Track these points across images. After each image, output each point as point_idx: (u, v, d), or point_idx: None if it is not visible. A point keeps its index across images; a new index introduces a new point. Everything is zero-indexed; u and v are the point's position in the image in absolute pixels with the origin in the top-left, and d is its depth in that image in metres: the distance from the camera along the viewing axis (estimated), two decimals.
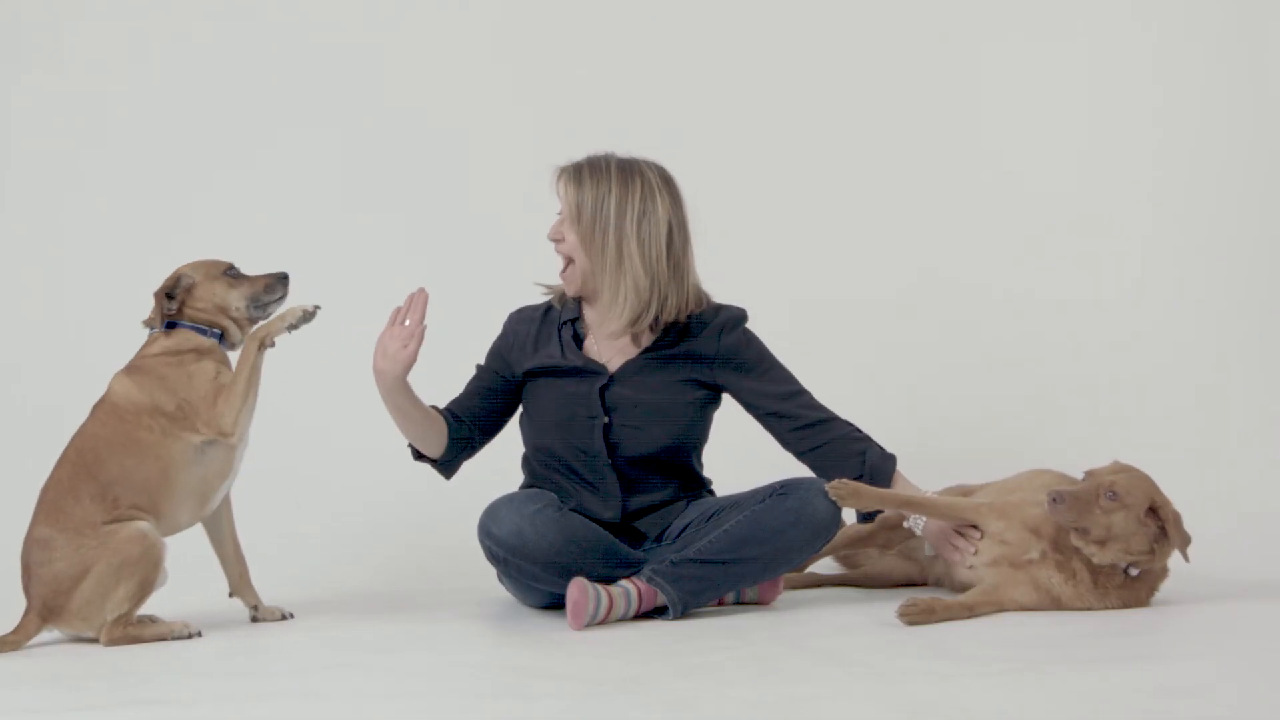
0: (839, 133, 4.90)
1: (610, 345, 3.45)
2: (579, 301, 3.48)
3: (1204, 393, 4.69)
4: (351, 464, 4.47)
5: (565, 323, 3.47)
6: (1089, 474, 3.11)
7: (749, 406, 3.48)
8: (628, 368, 3.42)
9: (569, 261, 3.39)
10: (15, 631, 3.10)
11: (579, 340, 3.46)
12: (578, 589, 3.10)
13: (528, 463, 3.54)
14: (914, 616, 3.03)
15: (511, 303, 3.60)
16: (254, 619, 3.36)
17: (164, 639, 3.12)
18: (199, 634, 3.15)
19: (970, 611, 3.12)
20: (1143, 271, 4.85)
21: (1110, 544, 3.03)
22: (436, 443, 3.41)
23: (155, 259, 4.70)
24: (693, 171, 3.50)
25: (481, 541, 3.24)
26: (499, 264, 4.49)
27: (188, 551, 3.36)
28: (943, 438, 4.48)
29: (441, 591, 3.73)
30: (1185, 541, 3.05)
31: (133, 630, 3.11)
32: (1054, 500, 2.99)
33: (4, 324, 4.75)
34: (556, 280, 3.48)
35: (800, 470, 3.45)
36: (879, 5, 4.97)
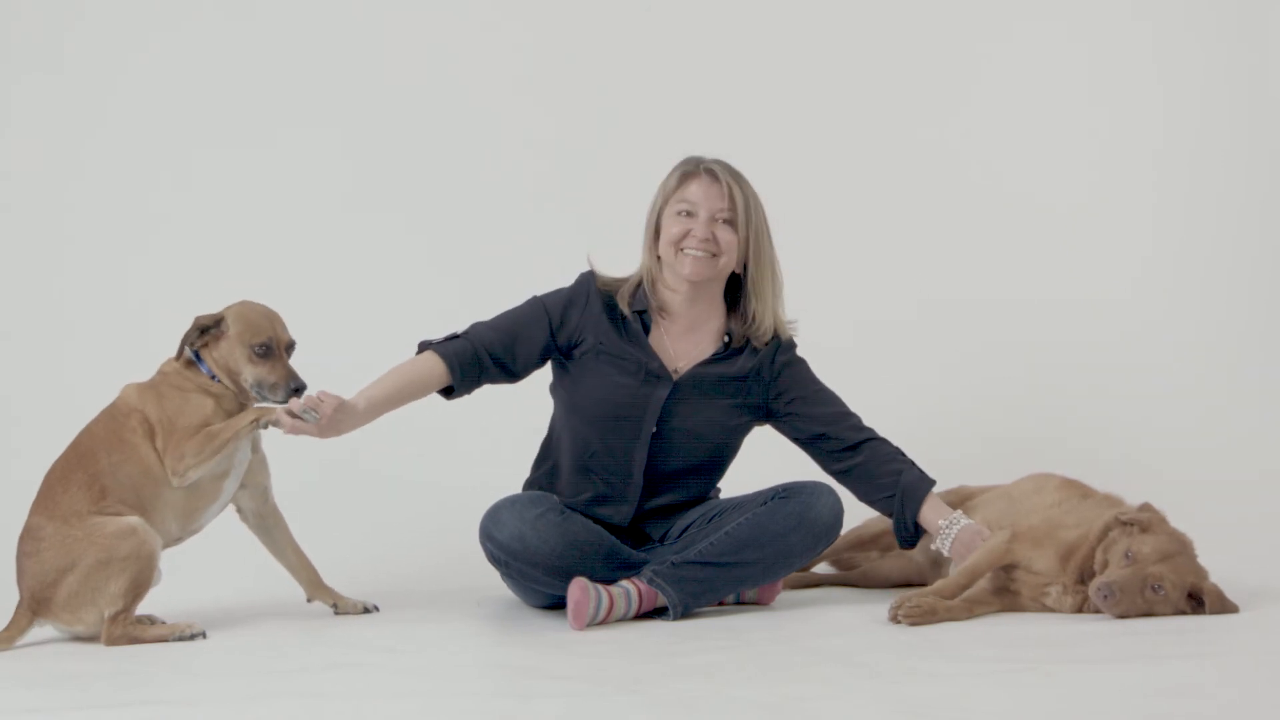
0: (845, 146, 4.90)
1: (681, 342, 3.38)
2: (645, 293, 3.36)
3: (1206, 396, 4.70)
4: (351, 465, 4.46)
5: (635, 312, 3.36)
6: (1132, 556, 3.02)
7: (795, 430, 3.42)
8: (688, 380, 3.34)
9: (713, 255, 3.31)
10: (7, 628, 3.11)
11: (646, 330, 3.38)
12: (579, 589, 3.10)
13: (547, 448, 3.48)
14: (916, 617, 3.03)
15: (516, 300, 3.47)
16: (337, 613, 3.39)
17: (165, 640, 3.11)
18: (203, 634, 3.14)
19: (970, 612, 3.13)
20: (1144, 273, 4.86)
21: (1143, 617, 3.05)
22: (432, 389, 3.35)
23: (156, 258, 4.74)
24: None
25: (483, 544, 3.24)
26: (501, 264, 4.50)
27: (191, 552, 3.38)
28: (947, 442, 4.48)
29: (442, 591, 3.73)
30: (1229, 612, 3.04)
31: (133, 630, 3.11)
32: (1105, 597, 3.00)
33: (3, 322, 4.75)
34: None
35: (808, 474, 3.44)
36: (876, 7, 4.97)
